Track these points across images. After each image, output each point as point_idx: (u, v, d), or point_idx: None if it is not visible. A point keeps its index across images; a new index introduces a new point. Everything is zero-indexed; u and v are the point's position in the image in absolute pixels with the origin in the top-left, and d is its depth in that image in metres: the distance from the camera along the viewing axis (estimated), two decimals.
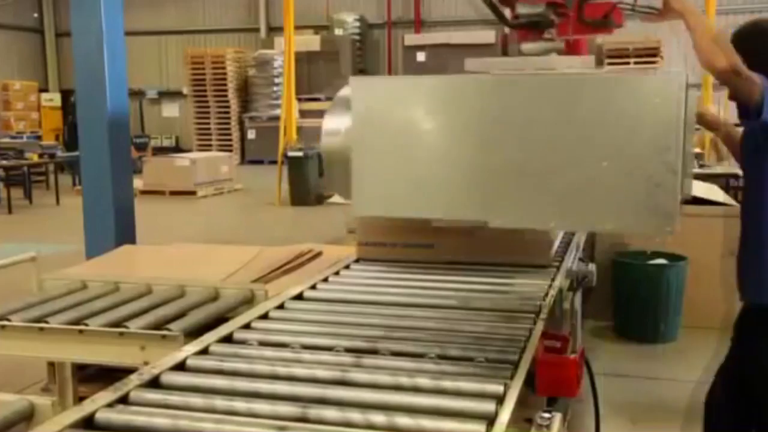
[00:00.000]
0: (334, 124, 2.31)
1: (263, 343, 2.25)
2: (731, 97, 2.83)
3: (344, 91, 2.38)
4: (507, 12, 3.79)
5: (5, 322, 2.92)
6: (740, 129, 3.13)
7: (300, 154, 12.02)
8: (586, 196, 1.84)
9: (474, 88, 1.98)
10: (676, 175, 1.75)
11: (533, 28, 3.55)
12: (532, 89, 1.92)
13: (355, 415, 1.70)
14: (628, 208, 1.81)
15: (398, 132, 2.02)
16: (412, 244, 3.26)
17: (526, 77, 2.10)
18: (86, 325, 2.85)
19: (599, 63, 13.18)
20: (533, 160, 1.87)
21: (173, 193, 13.46)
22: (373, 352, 2.15)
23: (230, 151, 18.40)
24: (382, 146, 2.05)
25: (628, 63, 14.81)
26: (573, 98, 1.85)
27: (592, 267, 3.25)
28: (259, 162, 18.61)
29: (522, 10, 3.50)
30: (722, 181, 7.85)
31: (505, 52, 18.15)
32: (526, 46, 3.51)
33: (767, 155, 2.85)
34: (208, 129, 19.89)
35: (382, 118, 2.04)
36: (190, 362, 2.06)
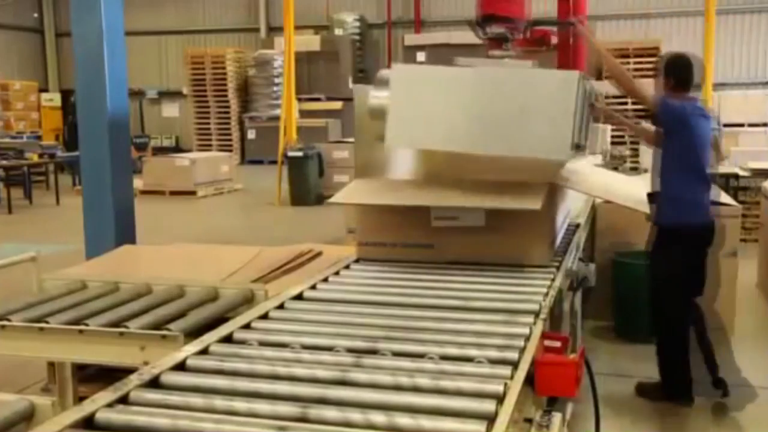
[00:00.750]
0: (378, 92, 3.26)
1: (263, 343, 2.25)
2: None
3: (384, 72, 3.32)
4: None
5: (5, 322, 2.92)
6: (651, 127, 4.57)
7: (300, 154, 12.02)
8: (520, 135, 3.01)
9: (461, 73, 3.35)
10: (568, 128, 2.93)
11: (498, 41, 6.33)
12: (489, 74, 3.27)
13: (356, 415, 1.70)
14: (541, 142, 2.99)
15: (422, 95, 3.13)
16: (412, 244, 3.27)
17: (485, 69, 3.62)
18: (86, 325, 2.86)
19: (598, 61, 13.35)
20: (491, 113, 3.04)
21: (173, 193, 13.45)
22: (373, 352, 2.15)
23: (230, 151, 18.39)
24: (411, 103, 3.13)
25: (628, 62, 14.78)
26: (510, 83, 3.10)
27: (591, 267, 3.27)
28: (259, 162, 18.59)
29: (492, 30, 6.29)
30: (722, 181, 7.86)
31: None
32: (492, 53, 6.27)
33: (665, 141, 4.19)
34: (208, 129, 19.87)
35: (413, 87, 3.18)
36: (190, 362, 2.06)
